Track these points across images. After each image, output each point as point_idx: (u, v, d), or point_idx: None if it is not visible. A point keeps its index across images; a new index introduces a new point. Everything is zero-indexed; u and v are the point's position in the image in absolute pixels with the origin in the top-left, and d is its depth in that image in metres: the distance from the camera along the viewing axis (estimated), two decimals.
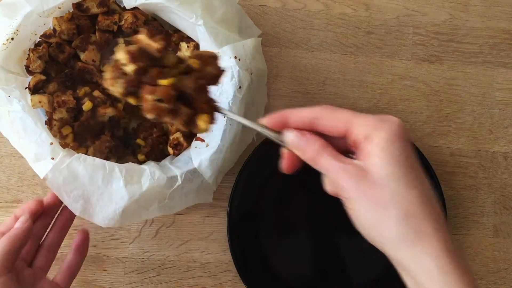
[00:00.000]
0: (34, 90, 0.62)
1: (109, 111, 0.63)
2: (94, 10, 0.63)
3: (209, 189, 0.62)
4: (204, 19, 0.60)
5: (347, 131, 0.41)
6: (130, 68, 0.42)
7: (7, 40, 0.60)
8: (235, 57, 0.60)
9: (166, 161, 0.63)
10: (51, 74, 0.64)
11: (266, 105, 0.69)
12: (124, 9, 0.65)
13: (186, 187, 0.60)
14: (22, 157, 0.68)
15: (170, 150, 0.63)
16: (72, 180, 0.57)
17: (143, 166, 0.59)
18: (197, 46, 0.63)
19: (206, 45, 0.61)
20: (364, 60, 0.74)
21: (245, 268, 0.66)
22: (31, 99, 0.61)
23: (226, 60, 0.60)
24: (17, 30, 0.61)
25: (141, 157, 0.65)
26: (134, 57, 0.42)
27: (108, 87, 0.44)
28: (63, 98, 0.62)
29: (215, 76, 0.46)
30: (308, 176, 0.69)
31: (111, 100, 0.64)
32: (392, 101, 0.73)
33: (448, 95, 0.74)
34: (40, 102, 0.61)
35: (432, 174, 0.67)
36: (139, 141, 0.66)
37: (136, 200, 0.58)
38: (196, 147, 0.61)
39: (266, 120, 0.44)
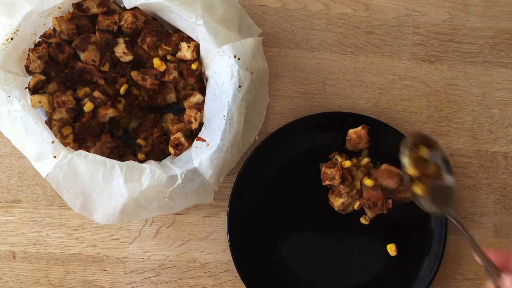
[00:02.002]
0: (34, 90, 0.62)
1: (110, 112, 0.63)
2: (94, 10, 0.63)
3: (210, 189, 0.62)
4: (204, 18, 0.60)
5: None
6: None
7: (7, 40, 0.60)
8: (235, 56, 0.60)
9: (166, 161, 0.63)
10: (51, 74, 0.64)
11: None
12: (124, 9, 0.65)
13: (187, 187, 0.59)
14: (22, 157, 0.69)
15: (171, 150, 0.63)
16: (72, 177, 0.57)
17: (144, 165, 0.59)
18: (197, 46, 0.63)
19: (206, 44, 0.61)
20: (364, 60, 0.74)
21: (245, 268, 0.66)
22: (31, 99, 0.61)
23: (226, 60, 0.60)
24: (17, 30, 0.61)
25: (141, 156, 0.64)
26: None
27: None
28: (63, 98, 0.61)
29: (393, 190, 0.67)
30: (308, 176, 0.69)
31: (112, 100, 0.64)
32: (392, 101, 0.73)
33: (448, 95, 0.74)
34: (40, 102, 0.61)
35: None
36: (139, 141, 0.66)
37: (136, 198, 0.58)
38: (197, 147, 0.61)
39: (490, 253, 0.53)
